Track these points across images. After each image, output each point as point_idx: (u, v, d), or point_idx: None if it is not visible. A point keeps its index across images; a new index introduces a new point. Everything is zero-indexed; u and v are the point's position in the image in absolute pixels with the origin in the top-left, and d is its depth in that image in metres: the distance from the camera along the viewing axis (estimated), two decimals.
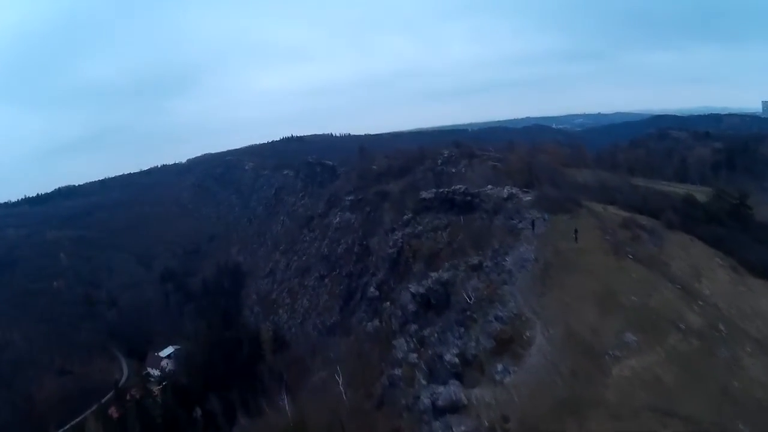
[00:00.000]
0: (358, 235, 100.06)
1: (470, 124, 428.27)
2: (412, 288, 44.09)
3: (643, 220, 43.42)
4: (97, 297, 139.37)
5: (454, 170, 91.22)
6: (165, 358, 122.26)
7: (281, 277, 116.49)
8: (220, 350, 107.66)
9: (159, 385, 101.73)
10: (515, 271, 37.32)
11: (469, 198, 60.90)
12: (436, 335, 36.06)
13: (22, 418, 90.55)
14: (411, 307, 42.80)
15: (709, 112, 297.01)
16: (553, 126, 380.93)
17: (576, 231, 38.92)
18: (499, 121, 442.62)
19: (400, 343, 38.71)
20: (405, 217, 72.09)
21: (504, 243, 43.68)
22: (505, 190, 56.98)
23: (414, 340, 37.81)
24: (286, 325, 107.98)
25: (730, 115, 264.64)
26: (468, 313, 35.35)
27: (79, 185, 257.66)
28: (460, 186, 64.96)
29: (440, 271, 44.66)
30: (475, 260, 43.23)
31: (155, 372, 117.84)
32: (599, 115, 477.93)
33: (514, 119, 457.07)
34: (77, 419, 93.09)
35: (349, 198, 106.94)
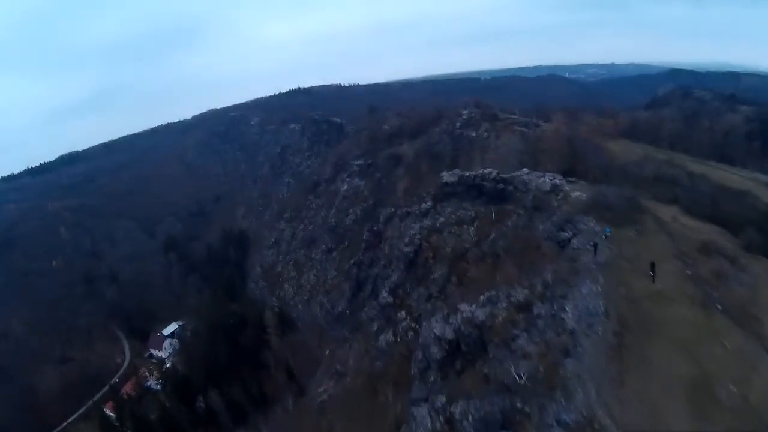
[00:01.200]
0: (369, 205, 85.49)
1: (481, 72, 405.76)
2: (437, 328, 30.24)
3: (719, 237, 35.60)
4: (97, 273, 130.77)
5: (474, 134, 75.02)
6: (167, 337, 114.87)
7: (286, 247, 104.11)
8: (224, 332, 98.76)
9: (161, 370, 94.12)
10: (580, 331, 26.11)
11: (501, 185, 45.80)
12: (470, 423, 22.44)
13: (24, 413, 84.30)
14: (436, 351, 29.13)
15: (726, 70, 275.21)
16: (566, 75, 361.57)
17: (653, 266, 29.54)
18: (510, 69, 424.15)
19: (421, 414, 25.46)
20: (423, 205, 57.26)
21: (558, 273, 31.19)
22: (546, 179, 43.07)
23: (440, 418, 24.37)
24: (292, 301, 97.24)
25: (749, 75, 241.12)
26: (517, 401, 21.80)
27: (82, 150, 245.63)
28: (490, 170, 49.31)
29: (473, 305, 30.47)
30: (520, 295, 30.35)
31: (158, 353, 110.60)
32: (612, 65, 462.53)
33: (526, 67, 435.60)
34: (79, 411, 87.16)
35: (358, 163, 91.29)
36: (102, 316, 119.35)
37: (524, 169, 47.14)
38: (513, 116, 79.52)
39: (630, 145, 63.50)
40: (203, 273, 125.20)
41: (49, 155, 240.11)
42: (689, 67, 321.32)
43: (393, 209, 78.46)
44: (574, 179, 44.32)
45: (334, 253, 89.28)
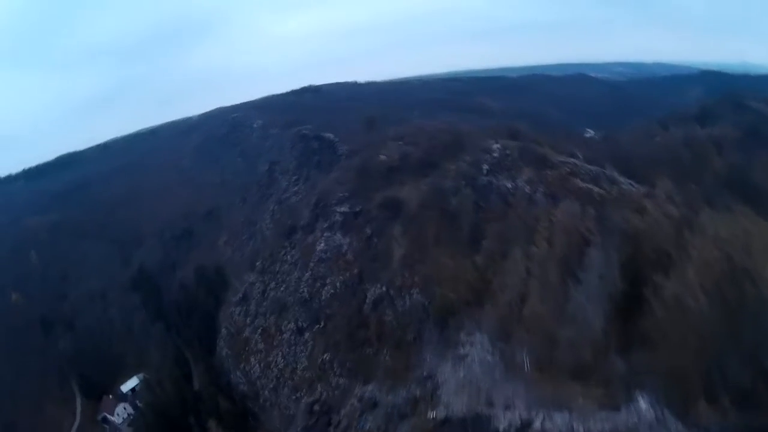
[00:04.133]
0: (353, 275, 59.02)
1: (506, 69, 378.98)
2: None
3: None
4: (59, 313, 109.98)
5: (510, 186, 48.60)
6: (127, 394, 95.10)
7: (255, 308, 79.00)
8: (181, 408, 77.09)
9: None
10: None
11: None
12: None
13: None
14: None
15: (758, 72, 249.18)
16: (593, 74, 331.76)
17: None
18: (535, 67, 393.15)
19: None
20: None
21: None
22: None
23: None
24: (259, 382, 72.39)
25: None
26: None
27: (80, 151, 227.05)
28: None
29: None
30: None
31: (111, 418, 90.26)
32: (639, 64, 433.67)
33: (550, 64, 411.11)
34: None
35: (342, 209, 64.71)
36: (56, 370, 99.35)
37: None
38: (572, 160, 51.63)
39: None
40: (170, 321, 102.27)
41: (61, 150, 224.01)
42: (718, 68, 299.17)
43: (385, 288, 52.43)
44: None
45: (306, 335, 63.53)
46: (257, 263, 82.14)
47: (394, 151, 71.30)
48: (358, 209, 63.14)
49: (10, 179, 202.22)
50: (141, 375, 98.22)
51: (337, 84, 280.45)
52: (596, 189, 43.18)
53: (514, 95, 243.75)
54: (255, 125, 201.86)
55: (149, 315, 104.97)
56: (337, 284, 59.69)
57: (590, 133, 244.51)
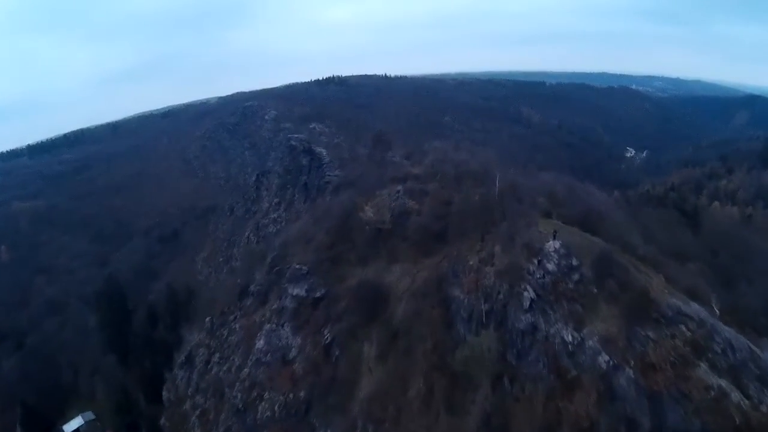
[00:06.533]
0: (298, 399, 40.13)
1: (544, 74, 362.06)
2: None
3: None
4: (12, 326, 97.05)
5: (569, 339, 27.05)
6: None
7: (197, 379, 61.75)
8: None
9: None
10: None
11: None
12: None
13: None
14: None
15: None
16: (633, 87, 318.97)
17: None
18: (575, 74, 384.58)
19: None
20: None
21: None
22: None
23: None
24: None
25: None
26: None
27: (90, 128, 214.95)
28: None
29: None
30: None
31: None
32: (678, 80, 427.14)
33: (588, 72, 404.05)
34: None
35: (296, 292, 45.20)
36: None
37: None
38: (697, 314, 28.70)
39: None
40: (125, 352, 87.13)
41: (81, 121, 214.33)
42: (760, 92, 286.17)
43: None
44: None
45: None
46: (207, 319, 64.31)
47: (389, 203, 50.91)
48: (319, 294, 43.92)
49: (14, 154, 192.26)
50: (88, 414, 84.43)
51: (366, 77, 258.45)
52: (738, 397, 22.10)
53: (555, 104, 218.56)
54: (267, 117, 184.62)
55: (105, 340, 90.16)
56: (276, 407, 41.15)
57: (631, 152, 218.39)
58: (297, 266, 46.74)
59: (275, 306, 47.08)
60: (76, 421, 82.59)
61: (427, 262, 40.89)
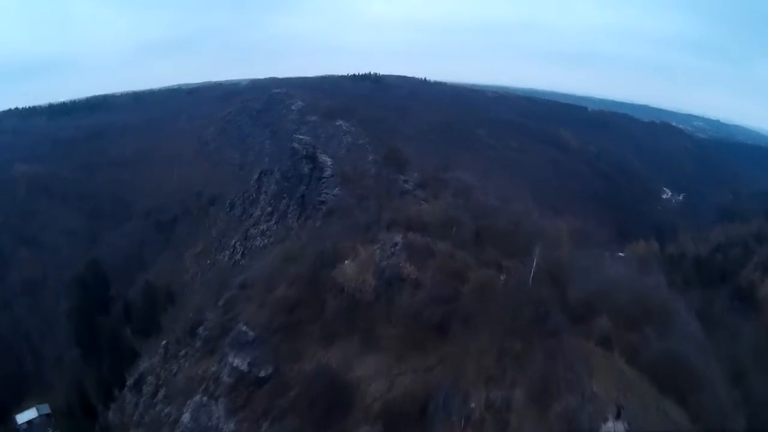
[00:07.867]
0: None
1: (587, 98, 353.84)
2: None
3: None
4: None
5: None
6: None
7: (143, 408, 52.99)
8: None
9: None
10: None
11: None
12: None
13: None
14: None
15: None
16: (673, 124, 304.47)
17: None
18: (616, 102, 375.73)
19: None
20: None
21: None
22: None
23: None
24: None
25: None
26: None
27: (114, 95, 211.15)
28: None
29: None
30: None
31: None
32: (718, 122, 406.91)
33: (632, 104, 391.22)
34: None
35: (237, 361, 35.35)
36: None
37: None
38: None
39: None
40: (90, 349, 79.86)
41: (109, 88, 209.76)
42: None
43: None
44: None
45: None
46: (163, 342, 55.45)
47: (378, 260, 40.00)
48: (263, 374, 33.72)
49: (33, 112, 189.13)
50: (44, 407, 78.20)
51: (403, 78, 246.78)
52: None
53: (594, 131, 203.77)
54: (294, 107, 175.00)
55: (71, 333, 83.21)
56: None
57: (668, 193, 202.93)
58: (243, 328, 36.60)
59: (214, 369, 37.35)
60: (30, 413, 77.88)
61: (415, 363, 30.16)
